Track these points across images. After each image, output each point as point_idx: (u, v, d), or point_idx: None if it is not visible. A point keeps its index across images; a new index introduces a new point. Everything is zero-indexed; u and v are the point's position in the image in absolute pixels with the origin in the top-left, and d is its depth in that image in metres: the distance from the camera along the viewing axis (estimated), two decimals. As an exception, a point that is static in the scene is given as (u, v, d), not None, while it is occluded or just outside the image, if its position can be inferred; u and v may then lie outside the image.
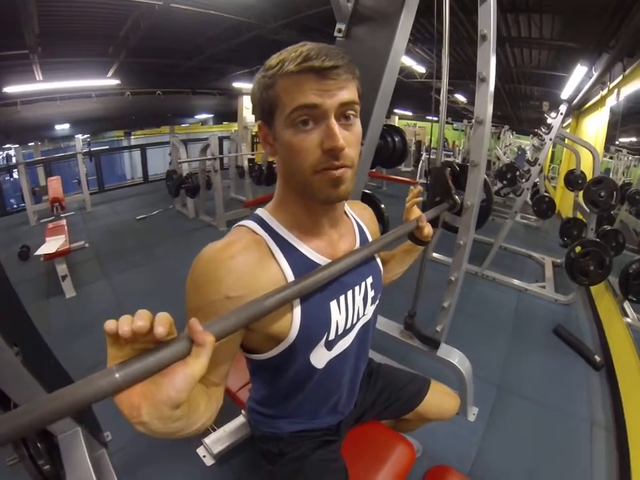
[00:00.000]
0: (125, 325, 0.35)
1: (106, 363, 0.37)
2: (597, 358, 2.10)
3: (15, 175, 5.01)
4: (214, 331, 0.42)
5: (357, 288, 0.71)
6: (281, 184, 0.65)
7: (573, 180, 3.71)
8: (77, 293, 2.72)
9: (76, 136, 5.78)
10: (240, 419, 1.51)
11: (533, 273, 3.41)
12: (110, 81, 6.00)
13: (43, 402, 0.34)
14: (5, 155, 8.57)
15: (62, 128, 6.83)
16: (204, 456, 1.42)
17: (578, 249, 2.44)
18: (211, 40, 5.30)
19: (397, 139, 1.78)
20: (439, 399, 1.07)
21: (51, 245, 2.68)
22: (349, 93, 0.54)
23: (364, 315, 0.75)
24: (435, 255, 3.36)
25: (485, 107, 1.32)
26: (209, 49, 5.62)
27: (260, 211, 0.66)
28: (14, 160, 5.57)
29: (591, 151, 2.77)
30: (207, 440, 1.45)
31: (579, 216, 3.39)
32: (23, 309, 1.16)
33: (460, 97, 9.12)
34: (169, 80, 7.23)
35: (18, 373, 0.94)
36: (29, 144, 5.88)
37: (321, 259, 0.65)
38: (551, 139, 2.91)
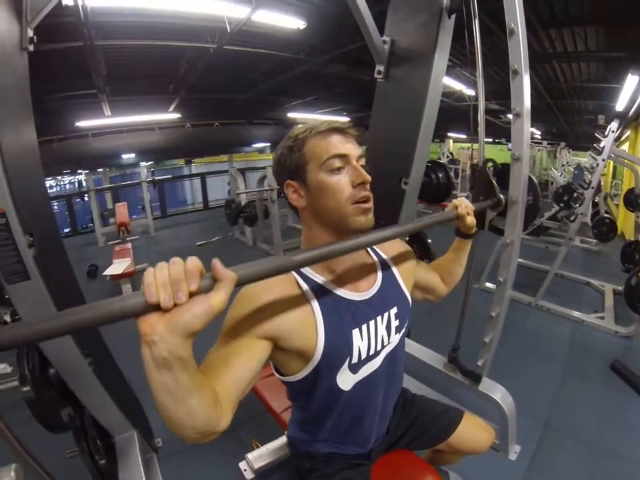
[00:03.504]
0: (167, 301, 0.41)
1: None
2: (663, 399, 1.89)
3: (86, 198, 5.65)
4: (238, 273, 0.47)
5: (379, 318, 0.78)
6: (311, 228, 0.75)
7: (633, 199, 3.42)
8: (138, 311, 2.99)
9: (140, 163, 6.40)
10: (282, 439, 1.56)
11: (592, 302, 3.15)
12: (171, 115, 6.66)
13: (88, 308, 0.40)
14: (77, 181, 9.66)
15: (128, 157, 7.63)
16: (245, 470, 1.49)
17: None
18: (264, 74, 5.68)
19: (440, 175, 1.82)
20: (471, 432, 1.06)
21: (118, 266, 2.99)
22: (360, 149, 0.73)
23: (389, 343, 0.80)
24: (487, 284, 3.22)
25: (521, 99, 1.26)
26: (262, 82, 6.01)
27: None
28: (84, 184, 6.31)
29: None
30: (250, 455, 1.51)
31: (642, 239, 3.11)
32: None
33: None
34: (226, 112, 7.78)
35: (90, 381, 1.09)
36: (98, 170, 6.63)
37: (342, 292, 0.74)
38: (603, 160, 2.74)
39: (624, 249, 3.34)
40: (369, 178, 0.70)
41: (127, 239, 4.36)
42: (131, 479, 1.21)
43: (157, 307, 0.41)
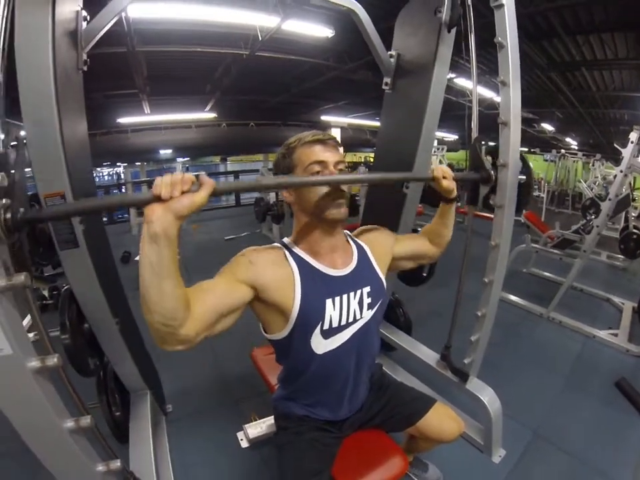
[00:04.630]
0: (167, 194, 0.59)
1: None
2: (664, 420, 1.85)
3: (123, 190, 6.09)
4: (217, 184, 0.64)
5: (352, 294, 0.92)
6: (298, 218, 0.93)
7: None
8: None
9: (177, 159, 6.74)
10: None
11: (608, 319, 3.05)
12: (207, 114, 7.00)
13: (114, 197, 0.68)
14: (115, 173, 10.25)
15: (165, 152, 8.08)
16: (241, 439, 1.66)
17: (652, 293, 2.19)
18: (296, 79, 5.88)
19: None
20: (440, 420, 1.11)
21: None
22: (339, 155, 0.89)
23: (361, 317, 0.94)
24: (503, 294, 3.17)
25: (508, 108, 1.26)
26: (294, 87, 6.22)
27: (284, 239, 0.97)
28: (122, 177, 6.75)
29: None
30: (247, 426, 1.68)
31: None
32: (124, 295, 1.54)
33: (547, 126, 8.58)
34: (260, 113, 8.04)
35: (115, 338, 1.29)
36: (136, 164, 7.08)
37: (320, 266, 0.90)
38: (621, 171, 2.68)
39: (647, 266, 3.23)
40: None
41: (159, 229, 4.63)
42: (140, 433, 1.39)
43: (159, 200, 0.59)
